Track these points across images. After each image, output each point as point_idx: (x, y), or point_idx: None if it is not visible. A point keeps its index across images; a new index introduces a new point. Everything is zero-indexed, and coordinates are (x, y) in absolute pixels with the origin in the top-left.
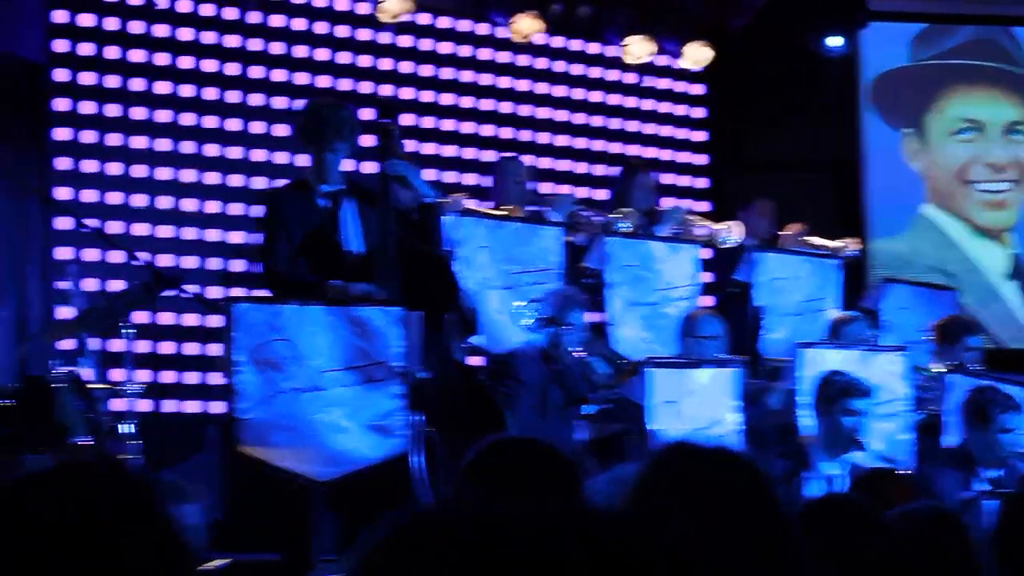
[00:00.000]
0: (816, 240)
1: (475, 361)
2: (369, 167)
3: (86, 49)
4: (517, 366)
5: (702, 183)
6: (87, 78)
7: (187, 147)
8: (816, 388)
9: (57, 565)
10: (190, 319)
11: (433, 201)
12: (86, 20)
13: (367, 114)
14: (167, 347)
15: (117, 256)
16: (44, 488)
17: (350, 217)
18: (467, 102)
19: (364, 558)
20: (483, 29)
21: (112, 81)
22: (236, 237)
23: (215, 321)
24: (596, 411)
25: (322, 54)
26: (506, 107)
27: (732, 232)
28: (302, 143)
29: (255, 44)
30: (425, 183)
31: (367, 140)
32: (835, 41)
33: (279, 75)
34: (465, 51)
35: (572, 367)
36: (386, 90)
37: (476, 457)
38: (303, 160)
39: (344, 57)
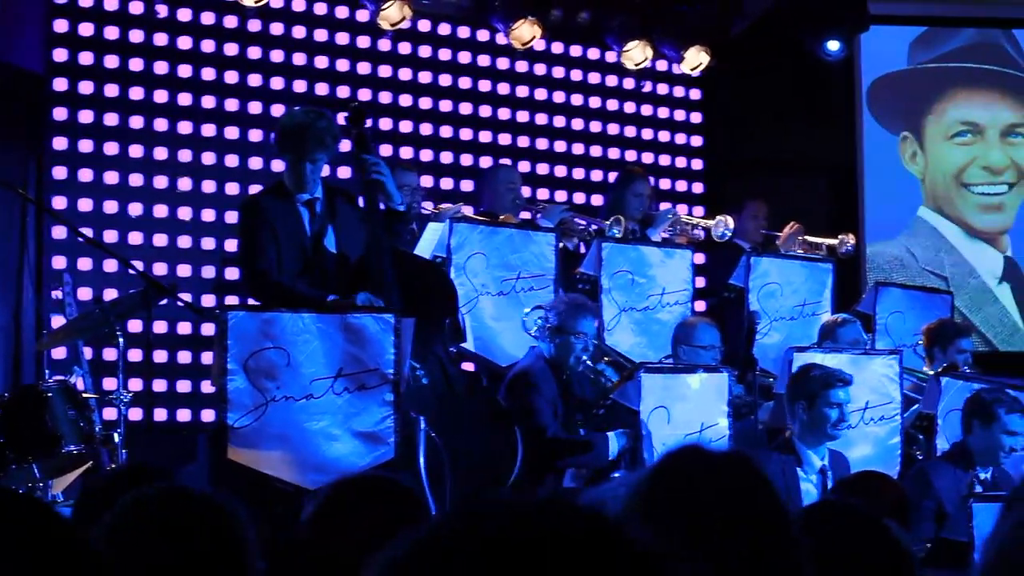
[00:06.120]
0: (813, 239)
1: (467, 367)
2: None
3: (86, 58)
4: (535, 382)
5: (698, 188)
6: (86, 87)
7: (184, 156)
8: (794, 382)
9: None
10: (184, 327)
11: (403, 209)
12: (86, 29)
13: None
14: (160, 355)
15: (112, 265)
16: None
17: (331, 223)
18: (466, 108)
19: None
20: (483, 35)
21: (111, 90)
22: (231, 245)
23: (209, 329)
24: (583, 418)
25: (321, 61)
26: (504, 113)
27: (724, 225)
28: (281, 151)
29: (254, 52)
30: (397, 191)
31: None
32: (834, 45)
33: (277, 83)
34: (464, 57)
35: (582, 376)
36: (385, 97)
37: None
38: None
39: (343, 64)
